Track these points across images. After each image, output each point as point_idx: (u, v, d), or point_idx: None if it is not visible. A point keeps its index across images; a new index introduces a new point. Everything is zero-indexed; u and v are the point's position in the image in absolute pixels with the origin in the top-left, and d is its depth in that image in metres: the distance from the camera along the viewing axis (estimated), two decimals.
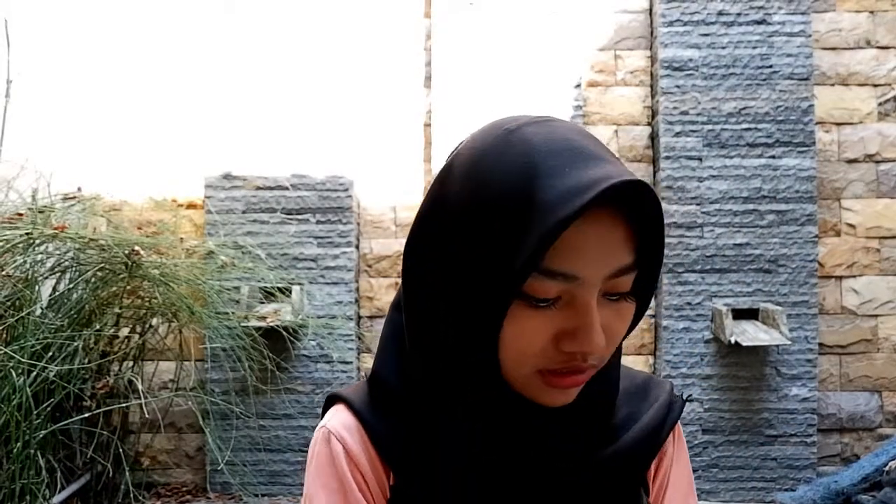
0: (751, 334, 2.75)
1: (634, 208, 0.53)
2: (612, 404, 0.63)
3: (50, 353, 2.23)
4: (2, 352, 2.01)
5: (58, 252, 2.50)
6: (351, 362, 2.98)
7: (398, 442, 0.61)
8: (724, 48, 2.95)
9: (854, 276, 3.06)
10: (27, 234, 2.26)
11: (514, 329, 0.52)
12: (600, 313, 0.53)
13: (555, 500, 0.59)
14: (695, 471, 2.07)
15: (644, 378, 0.69)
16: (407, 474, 0.60)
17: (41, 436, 2.14)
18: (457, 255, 0.54)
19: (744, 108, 2.94)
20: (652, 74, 3.10)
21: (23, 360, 2.02)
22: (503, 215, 0.51)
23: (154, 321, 2.79)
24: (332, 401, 0.66)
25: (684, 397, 0.67)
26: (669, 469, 0.67)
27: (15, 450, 2.02)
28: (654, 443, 0.62)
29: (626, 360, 0.84)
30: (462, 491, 0.59)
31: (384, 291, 3.14)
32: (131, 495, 2.57)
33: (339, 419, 0.63)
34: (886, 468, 2.57)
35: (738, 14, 2.95)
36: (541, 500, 0.59)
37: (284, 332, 2.80)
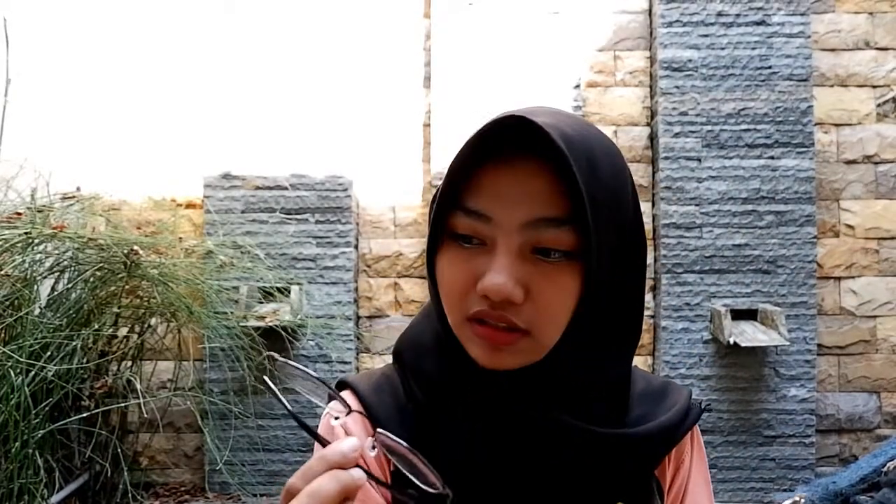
0: (749, 335, 2.75)
1: (561, 164, 0.54)
2: (610, 389, 0.62)
3: (48, 353, 2.23)
4: (1, 351, 2.01)
5: (56, 251, 2.49)
6: (350, 362, 2.98)
7: (401, 428, 0.61)
8: (723, 49, 2.95)
9: (853, 277, 3.06)
10: (26, 233, 2.26)
11: (445, 266, 0.58)
12: (524, 269, 0.54)
13: (558, 477, 0.59)
14: None
15: (662, 382, 0.69)
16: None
17: (39, 435, 2.14)
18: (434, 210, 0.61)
19: (743, 109, 2.94)
20: (651, 75, 3.10)
21: (21, 359, 2.02)
22: (450, 169, 0.57)
23: (153, 321, 2.79)
24: (339, 387, 0.67)
25: (702, 406, 0.67)
26: (688, 476, 0.67)
27: (13, 449, 2.01)
28: (668, 440, 0.62)
29: None
30: (464, 477, 0.59)
31: (383, 291, 3.14)
32: (130, 495, 2.57)
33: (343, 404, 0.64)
34: (885, 469, 2.58)
35: (738, 15, 2.95)
36: (543, 476, 0.59)
37: (283, 332, 2.80)
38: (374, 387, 0.66)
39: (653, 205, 3.07)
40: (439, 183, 0.64)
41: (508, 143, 0.55)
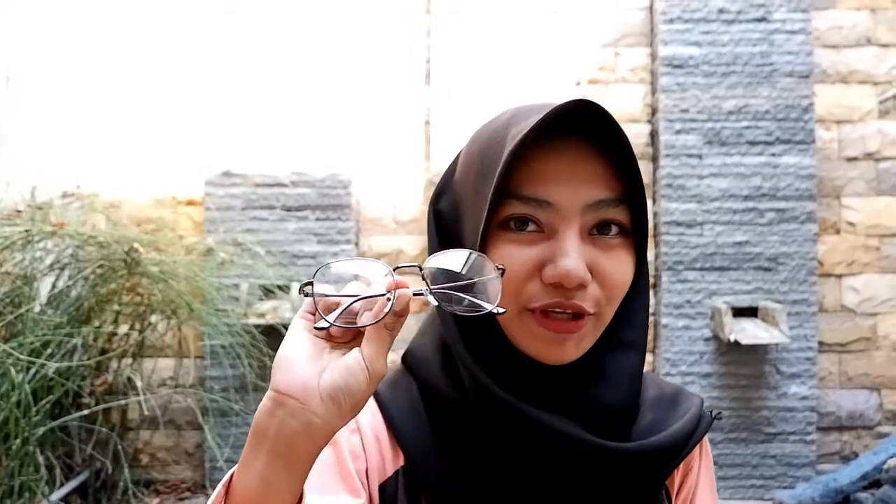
0: (750, 332, 2.75)
1: (612, 147, 0.56)
2: (629, 390, 0.61)
3: (49, 350, 2.23)
4: (1, 349, 2.01)
5: (57, 249, 2.49)
6: None
7: (413, 425, 0.61)
8: (724, 46, 2.95)
9: (854, 275, 3.05)
10: (26, 231, 2.26)
11: (499, 258, 0.55)
12: (586, 250, 0.55)
13: (568, 491, 0.59)
14: None
15: (674, 389, 0.68)
16: (418, 458, 0.60)
17: (40, 432, 2.14)
18: (458, 207, 0.61)
19: (744, 106, 2.94)
20: (652, 72, 3.10)
21: (22, 356, 2.02)
22: (484, 155, 0.57)
23: (153, 318, 2.79)
24: None
25: (713, 414, 0.66)
26: (695, 485, 0.67)
27: (14, 446, 2.02)
28: (679, 451, 0.61)
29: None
30: (473, 479, 0.59)
31: None
32: (130, 492, 2.57)
33: None
34: (886, 466, 2.58)
35: (739, 12, 2.94)
36: (554, 489, 0.58)
37: (284, 330, 2.79)
38: (389, 383, 0.66)
39: (654, 202, 3.06)
40: (437, 182, 0.63)
41: (556, 130, 0.55)
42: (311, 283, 0.48)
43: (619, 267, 0.56)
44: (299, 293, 0.49)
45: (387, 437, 0.62)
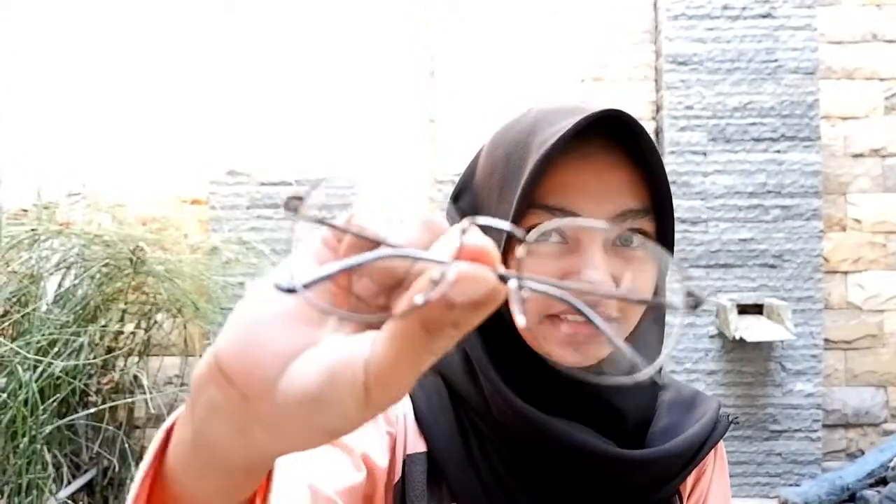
0: (755, 330, 2.74)
1: (639, 155, 0.55)
2: (649, 399, 0.62)
3: (56, 349, 2.24)
4: (8, 347, 2.02)
5: (63, 248, 2.50)
6: None
7: (438, 413, 0.61)
8: (728, 42, 2.94)
9: (860, 272, 3.04)
10: (33, 230, 2.27)
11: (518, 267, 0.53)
12: (610, 261, 0.54)
13: (583, 495, 0.59)
14: None
15: (691, 392, 0.68)
16: (442, 446, 0.60)
17: (47, 431, 2.15)
18: (478, 210, 0.59)
19: (749, 103, 2.93)
20: (656, 69, 3.09)
21: (29, 355, 2.03)
22: (508, 161, 0.56)
23: (159, 317, 2.80)
24: None
25: (730, 419, 0.67)
26: (708, 488, 0.67)
27: (21, 445, 2.03)
28: (694, 456, 0.62)
29: None
30: (492, 477, 0.59)
31: None
32: None
33: None
34: (892, 464, 2.57)
35: (744, 8, 2.93)
36: (569, 493, 0.59)
37: None
38: None
39: None
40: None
41: (582, 138, 0.54)
42: (299, 198, 0.28)
43: (644, 276, 0.55)
44: (284, 208, 0.28)
45: (413, 420, 0.62)
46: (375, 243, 0.27)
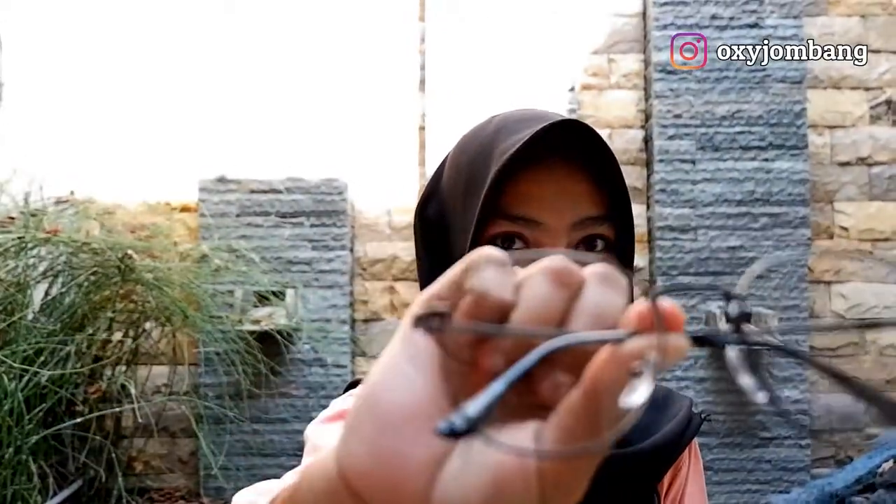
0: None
1: (598, 162, 0.57)
2: None
3: (42, 358, 2.22)
4: None
5: (50, 256, 2.48)
6: (345, 366, 2.97)
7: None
8: (717, 52, 2.96)
9: (841, 282, 3.07)
10: (19, 237, 2.25)
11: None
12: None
13: None
14: None
15: (664, 391, 0.69)
16: None
17: (33, 441, 2.12)
18: (444, 217, 0.61)
19: (737, 112, 2.95)
20: (645, 78, 3.11)
21: (15, 364, 2.01)
22: (472, 169, 0.57)
23: (147, 325, 2.78)
24: (353, 386, 0.69)
25: (703, 416, 0.67)
26: (684, 485, 0.67)
27: (7, 455, 2.00)
28: (670, 454, 0.62)
29: None
30: None
31: (378, 295, 3.14)
32: (124, 500, 2.55)
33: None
34: (880, 470, 2.58)
35: (731, 18, 2.96)
36: None
37: (278, 336, 2.79)
38: None
39: (647, 207, 3.07)
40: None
41: (542, 147, 0.56)
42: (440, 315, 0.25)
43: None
44: (415, 325, 0.26)
45: None
46: (504, 315, 0.23)
